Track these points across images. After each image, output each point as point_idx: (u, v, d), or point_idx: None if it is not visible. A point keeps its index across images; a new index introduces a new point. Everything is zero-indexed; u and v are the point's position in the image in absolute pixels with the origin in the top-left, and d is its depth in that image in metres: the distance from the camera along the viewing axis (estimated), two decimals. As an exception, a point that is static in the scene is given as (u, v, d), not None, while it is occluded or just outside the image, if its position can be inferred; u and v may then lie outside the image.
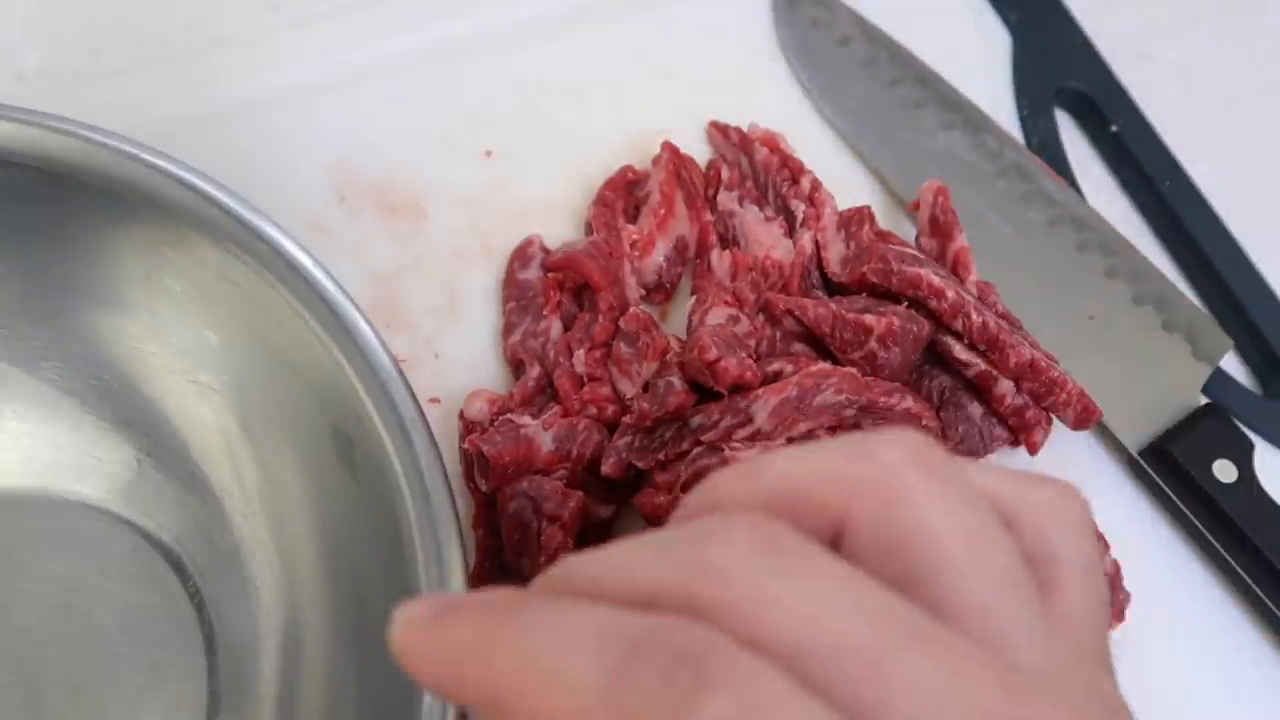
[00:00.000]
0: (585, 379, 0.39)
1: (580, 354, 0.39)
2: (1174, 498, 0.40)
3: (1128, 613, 0.38)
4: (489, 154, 0.44)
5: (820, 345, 0.38)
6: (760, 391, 0.36)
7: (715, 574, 0.19)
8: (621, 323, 0.39)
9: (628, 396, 0.38)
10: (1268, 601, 0.39)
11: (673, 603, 0.19)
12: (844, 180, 0.45)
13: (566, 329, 0.40)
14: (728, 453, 0.35)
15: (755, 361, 0.37)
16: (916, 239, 0.42)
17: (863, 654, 0.18)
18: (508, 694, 0.19)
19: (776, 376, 0.37)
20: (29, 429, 0.37)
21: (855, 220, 0.41)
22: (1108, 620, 0.23)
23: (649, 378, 0.38)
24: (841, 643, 0.18)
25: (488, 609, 0.20)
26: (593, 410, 0.38)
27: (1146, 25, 0.51)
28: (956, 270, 0.41)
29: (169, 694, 0.35)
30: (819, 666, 0.18)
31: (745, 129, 0.44)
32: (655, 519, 0.37)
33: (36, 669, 0.35)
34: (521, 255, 0.42)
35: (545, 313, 0.40)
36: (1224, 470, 0.40)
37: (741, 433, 0.36)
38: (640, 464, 0.36)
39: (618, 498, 0.38)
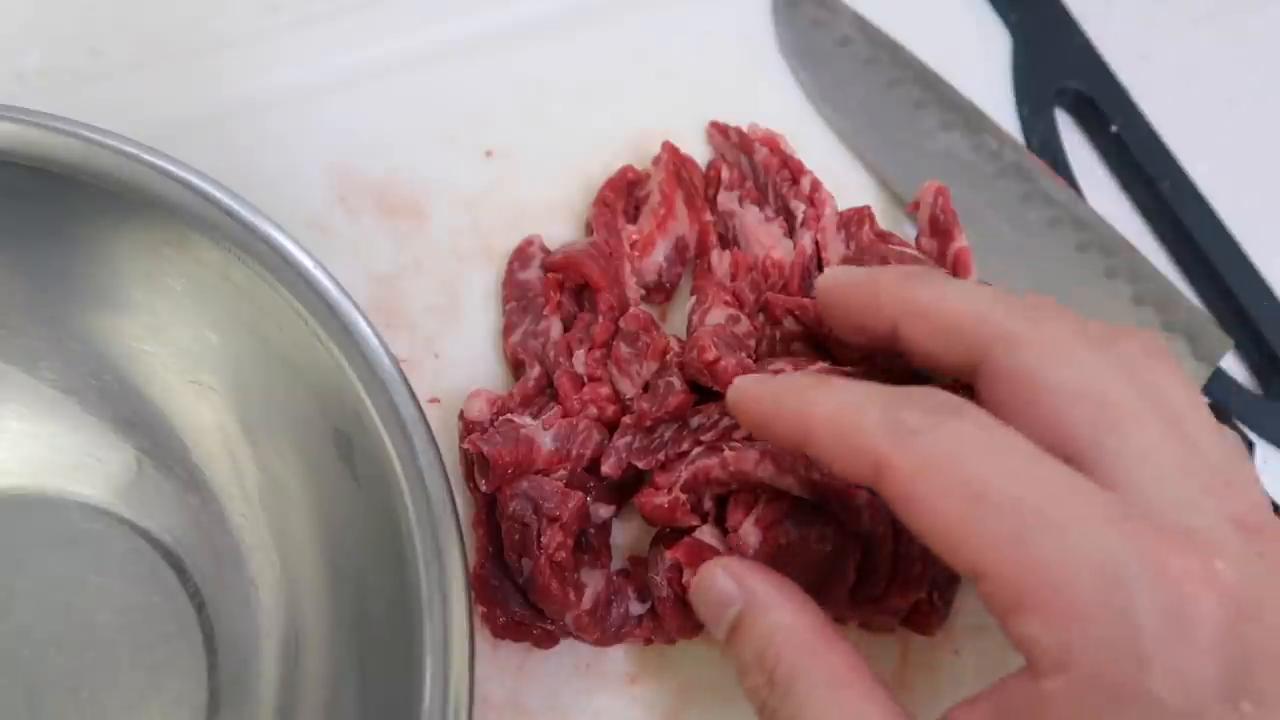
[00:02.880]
0: (585, 379, 0.39)
1: (580, 354, 0.39)
2: (1174, 498, 0.40)
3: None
4: (489, 154, 0.45)
5: (820, 345, 0.38)
6: (760, 391, 0.36)
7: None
8: (621, 323, 0.39)
9: (628, 396, 0.38)
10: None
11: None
12: (844, 180, 0.45)
13: (566, 329, 0.40)
14: (727, 453, 0.35)
15: (755, 361, 0.37)
16: (916, 239, 0.42)
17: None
18: (818, 419, 0.28)
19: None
20: (29, 429, 0.37)
21: (855, 220, 0.41)
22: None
23: (649, 378, 0.38)
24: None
25: (801, 377, 0.32)
26: (593, 410, 0.38)
27: (1146, 25, 0.51)
28: (956, 270, 0.41)
29: (169, 694, 0.35)
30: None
31: (745, 129, 0.44)
32: (655, 519, 0.37)
33: (36, 669, 0.35)
34: (521, 255, 0.42)
35: (545, 313, 0.40)
36: (1224, 470, 0.40)
37: (741, 433, 0.36)
38: (640, 464, 0.36)
39: (618, 498, 0.38)
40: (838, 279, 0.33)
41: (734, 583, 0.30)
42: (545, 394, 0.39)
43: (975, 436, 0.25)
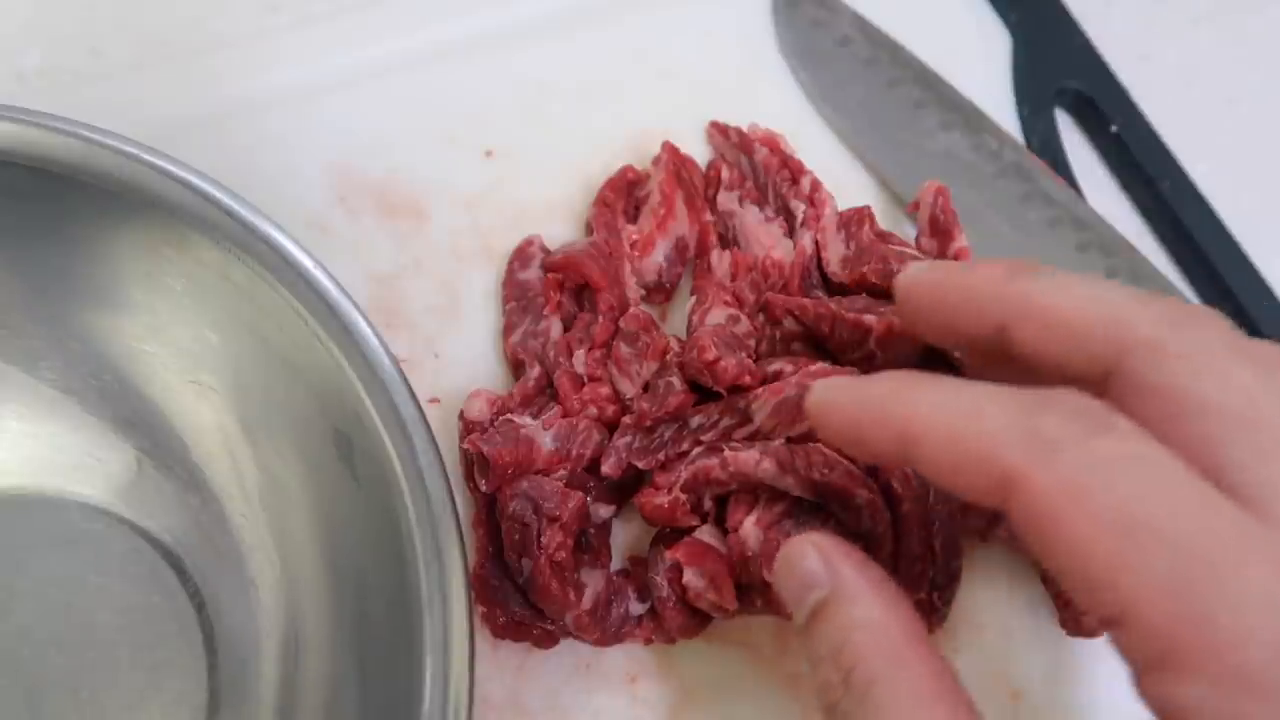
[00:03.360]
0: (585, 379, 0.39)
1: (580, 354, 0.39)
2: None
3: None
4: (489, 154, 0.45)
5: (820, 345, 0.38)
6: (759, 391, 0.36)
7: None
8: (621, 323, 0.39)
9: (628, 396, 0.38)
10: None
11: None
12: (844, 180, 0.45)
13: (566, 329, 0.40)
14: (727, 453, 0.35)
15: (755, 361, 0.37)
16: (916, 239, 0.42)
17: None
18: (926, 425, 0.24)
19: (776, 376, 0.37)
20: (29, 429, 0.37)
21: (855, 220, 0.41)
22: None
23: (649, 378, 0.38)
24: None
25: (899, 375, 0.27)
26: (593, 410, 0.38)
27: (1146, 25, 0.51)
28: (956, 270, 0.41)
29: (169, 694, 0.35)
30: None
31: (745, 129, 0.44)
32: (655, 519, 0.37)
33: (36, 669, 0.35)
34: (521, 255, 0.42)
35: (545, 313, 0.40)
36: (1224, 470, 0.40)
37: (741, 433, 0.36)
38: (640, 464, 0.37)
39: (618, 498, 0.38)
40: (923, 276, 0.29)
41: (823, 564, 0.27)
42: (545, 394, 0.39)
43: (1133, 457, 0.22)
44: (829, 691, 0.25)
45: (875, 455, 0.27)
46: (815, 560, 0.27)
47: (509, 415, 0.37)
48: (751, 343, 0.38)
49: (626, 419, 0.37)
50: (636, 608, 0.37)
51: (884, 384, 0.27)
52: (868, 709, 0.24)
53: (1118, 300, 0.25)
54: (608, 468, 0.37)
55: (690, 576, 0.35)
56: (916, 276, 0.29)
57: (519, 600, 0.36)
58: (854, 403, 0.27)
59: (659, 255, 0.42)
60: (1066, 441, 0.22)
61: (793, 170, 0.43)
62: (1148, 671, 0.21)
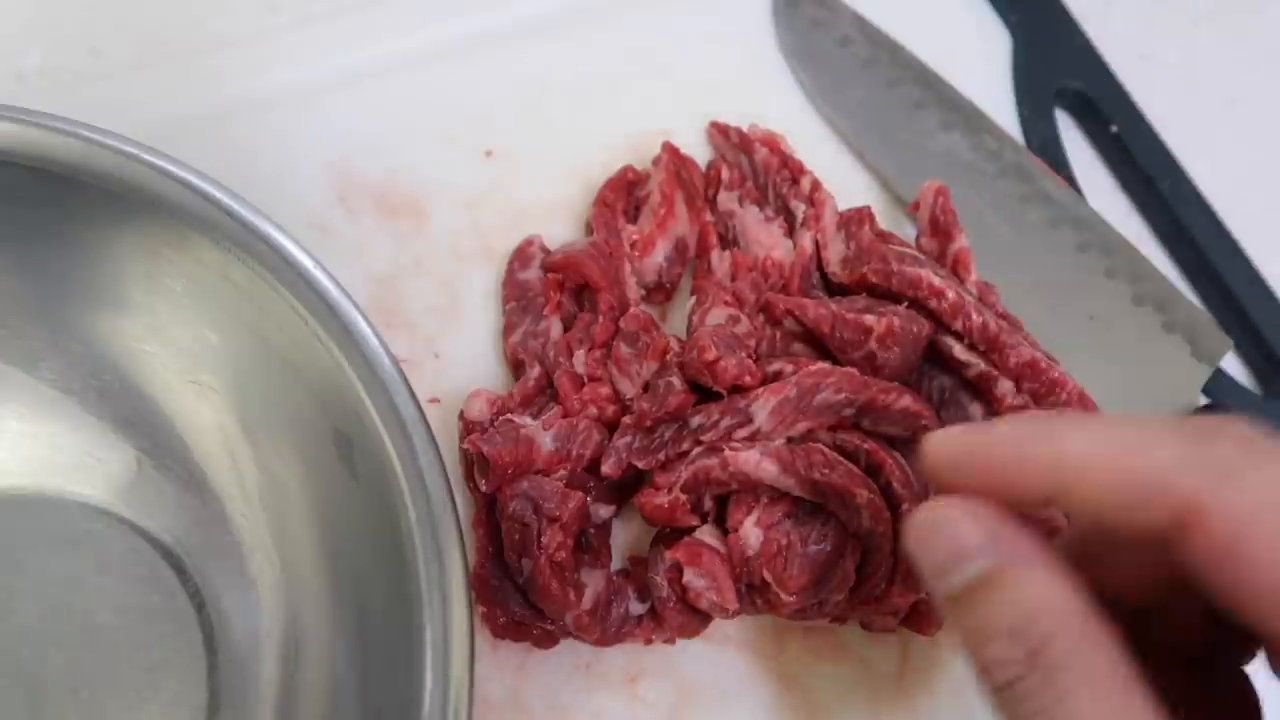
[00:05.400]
0: (585, 379, 0.39)
1: (580, 354, 0.39)
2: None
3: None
4: (489, 154, 0.45)
5: (820, 345, 0.38)
6: (760, 391, 0.36)
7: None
8: (621, 323, 0.39)
9: (628, 396, 0.38)
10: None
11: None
12: (844, 180, 0.45)
13: (566, 329, 0.40)
14: (727, 453, 0.35)
15: (755, 361, 0.37)
16: (916, 239, 0.42)
17: None
18: (1086, 462, 0.23)
19: (776, 376, 0.37)
20: (29, 429, 0.37)
21: (855, 220, 0.41)
22: None
23: (649, 378, 0.38)
24: None
25: (1034, 417, 0.26)
26: (593, 410, 0.38)
27: (1146, 25, 0.51)
28: (956, 270, 0.41)
29: (169, 694, 0.35)
30: None
31: (745, 129, 0.44)
32: (655, 519, 0.37)
33: (36, 669, 0.35)
34: (521, 255, 0.42)
35: (545, 313, 0.40)
36: (1224, 470, 0.40)
37: (741, 433, 0.36)
38: (640, 464, 0.36)
39: (618, 498, 0.38)
40: (954, 446, 0.27)
41: (985, 534, 0.25)
42: (545, 394, 0.39)
43: None
44: (1004, 669, 0.24)
45: (1020, 499, 0.25)
46: (973, 527, 0.25)
47: (509, 415, 0.37)
48: (751, 343, 0.38)
49: (626, 419, 0.37)
50: (636, 608, 0.37)
51: (1022, 425, 0.25)
52: (1058, 691, 0.23)
53: (1163, 446, 0.23)
54: (608, 468, 0.37)
55: (690, 576, 0.35)
56: (946, 444, 0.27)
57: (519, 600, 0.36)
58: (990, 446, 0.25)
59: (659, 255, 0.42)
60: (1246, 467, 0.22)
61: (793, 170, 0.43)
62: None
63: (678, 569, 0.35)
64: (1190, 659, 0.27)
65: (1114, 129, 0.48)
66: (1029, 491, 0.25)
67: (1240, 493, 0.22)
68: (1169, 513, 0.22)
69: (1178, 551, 0.22)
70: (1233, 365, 0.45)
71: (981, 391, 0.39)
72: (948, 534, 0.25)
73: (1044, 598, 0.24)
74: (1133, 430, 0.24)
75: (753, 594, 0.36)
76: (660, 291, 0.42)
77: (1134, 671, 0.23)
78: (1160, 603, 0.27)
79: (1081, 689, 0.22)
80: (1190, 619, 0.26)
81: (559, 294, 0.41)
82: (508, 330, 0.41)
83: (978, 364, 0.38)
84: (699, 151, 0.45)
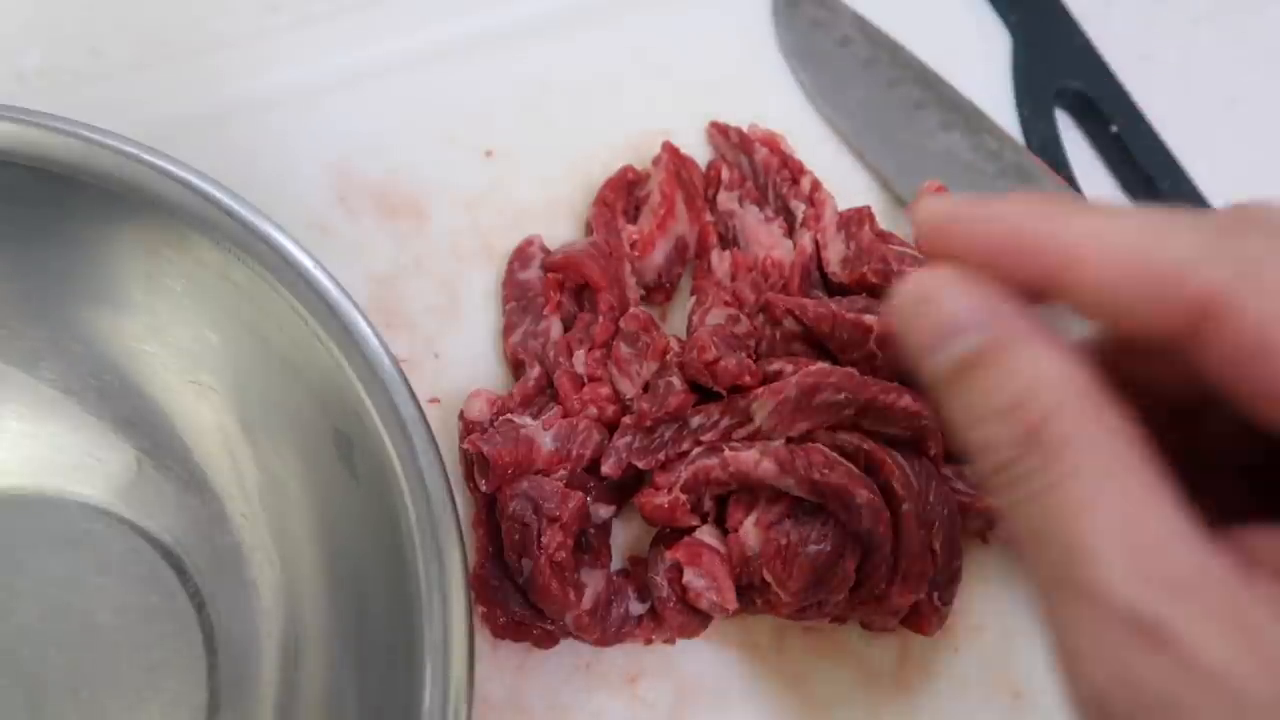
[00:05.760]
0: (585, 379, 0.39)
1: (580, 354, 0.39)
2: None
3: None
4: (489, 154, 0.45)
5: (820, 345, 0.38)
6: (760, 391, 0.36)
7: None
8: (621, 323, 0.39)
9: (628, 396, 0.38)
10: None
11: None
12: (844, 180, 0.45)
13: (566, 329, 0.40)
14: (727, 453, 0.35)
15: (755, 361, 0.37)
16: (916, 239, 0.42)
17: None
18: (1096, 250, 0.21)
19: (776, 376, 0.37)
20: (29, 429, 0.37)
21: (855, 220, 0.41)
22: None
23: (649, 378, 0.38)
24: None
25: (1044, 196, 0.23)
26: (593, 410, 0.38)
27: (1146, 25, 0.51)
28: (956, 270, 0.40)
29: (169, 694, 0.35)
30: None
31: (745, 129, 0.44)
32: (655, 519, 0.37)
33: (36, 669, 0.35)
34: (521, 255, 0.42)
35: (545, 313, 0.40)
36: (1224, 470, 0.40)
37: (741, 432, 0.36)
38: (640, 464, 0.37)
39: (618, 498, 0.38)
40: (944, 212, 0.24)
41: (980, 306, 0.22)
42: (545, 394, 0.39)
43: None
44: (998, 451, 0.21)
45: (1015, 282, 0.22)
46: (965, 300, 0.22)
47: (509, 415, 0.37)
48: (751, 343, 0.38)
49: (626, 419, 0.37)
50: (636, 608, 0.37)
51: (1026, 203, 0.22)
52: (1059, 472, 0.20)
53: (1180, 239, 0.21)
54: (608, 468, 0.37)
55: (690, 576, 0.35)
56: (935, 212, 0.24)
57: (519, 600, 0.36)
58: (988, 220, 0.23)
59: (659, 255, 0.42)
60: (1271, 254, 0.19)
61: (793, 170, 0.43)
62: None
63: (678, 569, 0.35)
64: (1241, 467, 0.24)
65: (1114, 129, 0.48)
66: (1027, 276, 0.22)
67: (1265, 289, 0.19)
68: (1186, 309, 0.20)
69: (1197, 355, 0.20)
70: (1233, 365, 0.45)
71: (981, 391, 0.39)
72: (938, 305, 0.23)
73: (1044, 373, 0.21)
74: (1150, 218, 0.21)
75: (753, 594, 0.36)
76: (660, 291, 0.42)
77: (1151, 457, 0.20)
78: (1198, 409, 0.24)
79: (1085, 470, 0.20)
80: (1232, 426, 0.23)
81: (559, 294, 0.41)
82: (508, 330, 0.41)
83: (978, 364, 0.38)
84: (699, 151, 0.45)
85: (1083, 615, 0.20)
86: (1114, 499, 0.20)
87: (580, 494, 0.36)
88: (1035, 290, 0.22)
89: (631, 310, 0.39)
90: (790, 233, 0.42)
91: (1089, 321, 0.22)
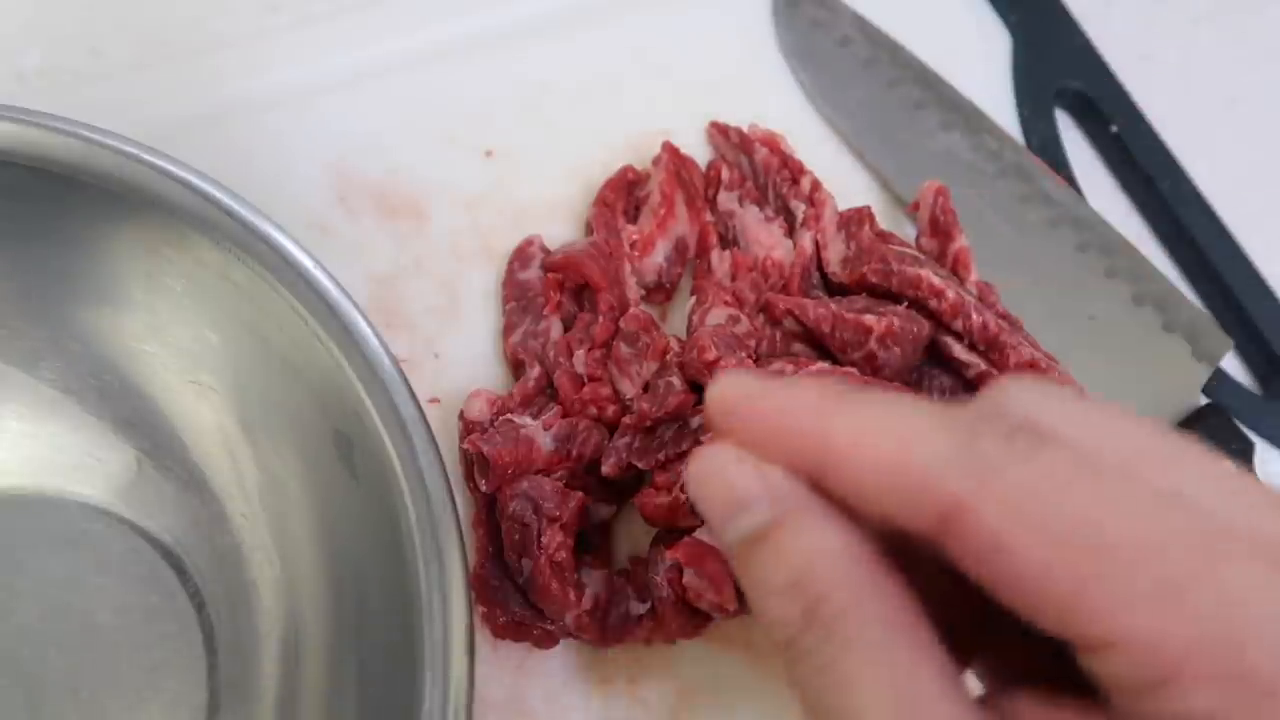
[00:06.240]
0: (585, 379, 0.39)
1: (580, 354, 0.39)
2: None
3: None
4: (489, 154, 0.45)
5: (820, 345, 0.38)
6: (760, 391, 0.36)
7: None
8: (621, 323, 0.39)
9: (628, 396, 0.38)
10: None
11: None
12: (844, 180, 0.45)
13: (566, 329, 0.40)
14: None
15: (755, 361, 0.37)
16: (916, 239, 0.42)
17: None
18: (853, 450, 0.22)
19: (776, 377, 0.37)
20: (29, 429, 0.37)
21: (855, 220, 0.41)
22: None
23: (649, 378, 0.38)
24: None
25: (823, 384, 0.24)
26: (593, 410, 0.38)
27: (1146, 25, 0.51)
28: (956, 270, 0.41)
29: (169, 694, 0.35)
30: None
31: (745, 129, 0.44)
32: (655, 519, 0.37)
33: (36, 669, 0.35)
34: (521, 255, 0.42)
35: (545, 313, 0.40)
36: (1224, 470, 0.40)
37: (741, 433, 0.36)
38: (640, 464, 0.36)
39: (618, 498, 0.38)
40: (730, 395, 0.24)
41: (759, 482, 0.23)
42: (545, 394, 0.39)
43: (1081, 467, 0.20)
44: (786, 625, 0.22)
45: (788, 465, 0.23)
46: (747, 476, 0.23)
47: (509, 415, 0.37)
48: (751, 343, 0.38)
49: (626, 419, 0.37)
50: (636, 608, 0.37)
51: (800, 393, 0.23)
52: (836, 644, 0.21)
53: (922, 441, 0.22)
54: (608, 468, 0.37)
55: (690, 576, 0.35)
56: (727, 391, 0.24)
57: (519, 600, 0.36)
58: (767, 409, 0.23)
59: (659, 255, 0.42)
60: (1009, 458, 0.20)
61: (793, 170, 0.43)
62: (1151, 690, 0.19)
63: (678, 569, 0.35)
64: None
65: (1114, 129, 0.48)
66: (798, 466, 0.23)
67: (1001, 489, 0.20)
68: (934, 513, 0.21)
69: (947, 550, 0.21)
70: (1233, 365, 0.45)
71: (981, 391, 0.39)
72: (723, 481, 0.23)
73: (819, 549, 0.22)
74: (906, 419, 0.22)
75: (753, 594, 0.36)
76: (660, 291, 0.42)
77: (921, 624, 0.21)
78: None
79: (857, 645, 0.21)
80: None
81: (559, 294, 0.41)
82: (508, 330, 0.41)
83: (978, 364, 0.38)
84: (699, 151, 0.45)
85: None
86: (883, 672, 0.21)
87: (580, 494, 0.36)
88: (808, 478, 0.23)
89: (631, 310, 0.39)
90: (790, 233, 0.42)
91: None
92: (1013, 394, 0.22)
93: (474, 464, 0.37)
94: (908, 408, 0.22)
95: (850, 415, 0.22)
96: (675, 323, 0.42)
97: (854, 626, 0.21)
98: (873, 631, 0.21)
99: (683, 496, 0.36)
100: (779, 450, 0.23)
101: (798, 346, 0.39)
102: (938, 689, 0.21)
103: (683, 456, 0.36)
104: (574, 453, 0.37)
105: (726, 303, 0.40)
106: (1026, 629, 0.21)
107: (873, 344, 0.37)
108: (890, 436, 0.22)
